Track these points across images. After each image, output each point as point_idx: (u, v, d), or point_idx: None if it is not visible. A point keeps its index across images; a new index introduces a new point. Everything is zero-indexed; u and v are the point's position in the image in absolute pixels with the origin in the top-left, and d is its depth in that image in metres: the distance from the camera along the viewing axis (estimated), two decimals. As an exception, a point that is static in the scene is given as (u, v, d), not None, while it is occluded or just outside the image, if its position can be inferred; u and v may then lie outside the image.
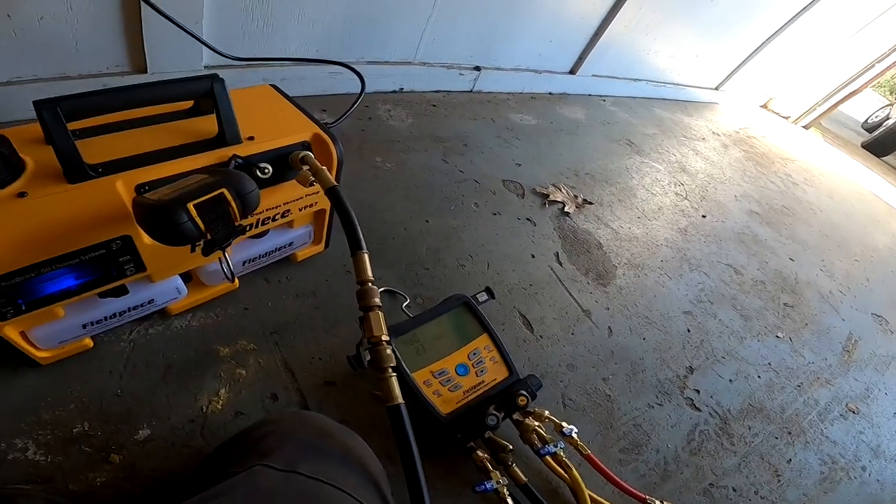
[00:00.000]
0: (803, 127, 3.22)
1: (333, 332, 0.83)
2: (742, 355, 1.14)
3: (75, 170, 0.51)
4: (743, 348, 1.16)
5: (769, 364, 1.16)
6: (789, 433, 1.02)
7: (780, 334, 1.26)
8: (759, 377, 1.11)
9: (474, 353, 0.78)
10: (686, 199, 1.69)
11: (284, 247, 0.81)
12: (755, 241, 1.61)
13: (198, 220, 0.45)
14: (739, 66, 2.64)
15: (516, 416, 0.76)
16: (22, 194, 0.48)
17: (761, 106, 3.26)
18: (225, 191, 0.48)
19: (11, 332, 0.57)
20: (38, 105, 0.47)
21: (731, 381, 1.07)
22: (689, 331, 1.14)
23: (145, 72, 1.03)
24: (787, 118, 3.23)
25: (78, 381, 0.66)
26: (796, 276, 1.51)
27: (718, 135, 2.38)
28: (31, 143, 0.54)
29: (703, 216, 1.62)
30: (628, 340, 1.05)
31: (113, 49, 0.99)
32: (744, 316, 1.26)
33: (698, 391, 1.01)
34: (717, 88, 2.78)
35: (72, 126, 0.50)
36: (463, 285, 1.01)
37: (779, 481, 0.92)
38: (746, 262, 1.48)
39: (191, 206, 0.45)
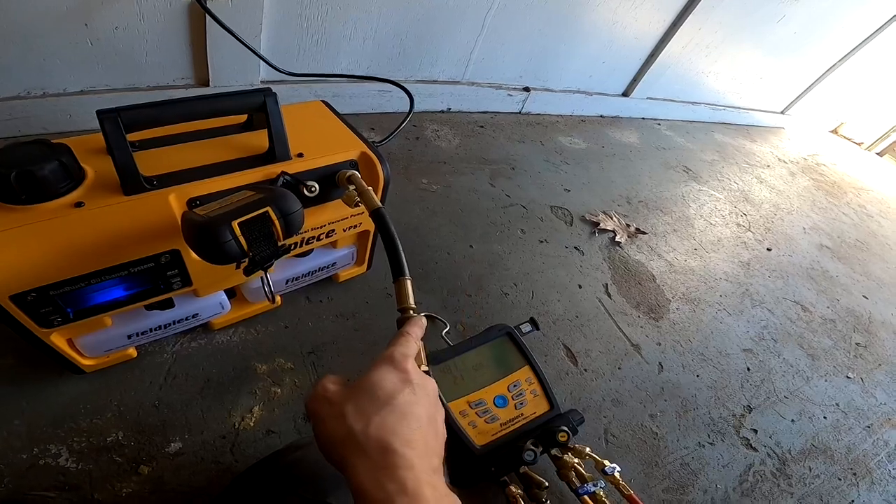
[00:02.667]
0: (877, 154, 3.02)
1: (371, 355, 0.82)
2: (807, 395, 1.06)
3: (132, 182, 0.52)
4: (809, 388, 1.08)
5: (837, 404, 1.07)
6: (854, 474, 0.93)
7: (850, 374, 1.16)
8: (824, 418, 1.02)
9: (514, 385, 0.75)
10: (749, 230, 1.59)
11: (327, 267, 0.81)
12: (825, 277, 1.49)
13: (241, 238, 0.45)
14: (808, 88, 2.50)
15: (555, 451, 0.72)
16: (79, 204, 0.50)
17: (831, 131, 3.08)
18: (269, 210, 0.47)
19: (59, 340, 0.58)
20: (101, 114, 0.49)
21: (793, 421, 0.99)
22: (748, 369, 1.07)
23: (208, 85, 1.08)
24: (859, 144, 3.03)
25: (118, 389, 0.67)
26: (870, 314, 1.39)
27: (785, 162, 2.25)
28: (93, 152, 0.56)
29: (768, 249, 1.52)
30: (680, 377, 0.99)
31: (179, 62, 1.03)
32: (811, 355, 1.17)
33: (756, 431, 0.94)
34: (783, 112, 2.64)
35: (131, 137, 0.51)
36: (505, 314, 0.98)
37: (839, 522, 0.84)
38: (815, 299, 1.38)
39: (235, 224, 0.45)
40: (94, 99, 0.97)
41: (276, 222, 0.47)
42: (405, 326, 0.44)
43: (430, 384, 0.39)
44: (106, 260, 0.51)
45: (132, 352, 0.69)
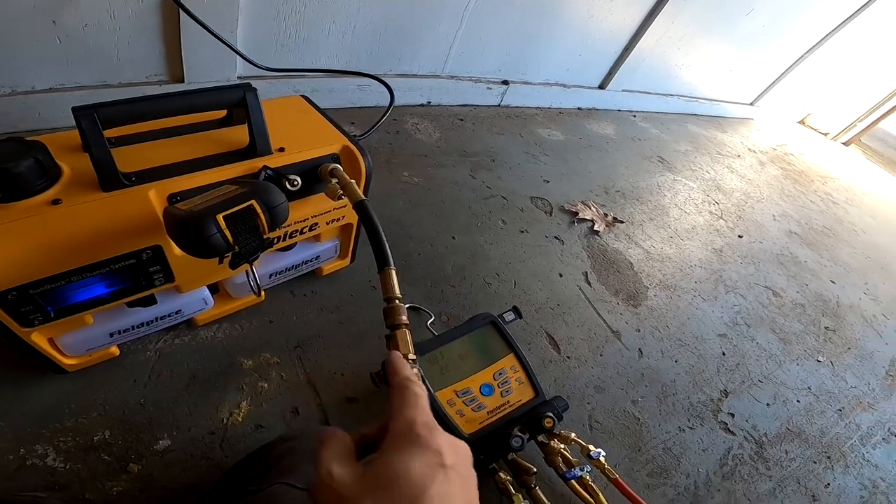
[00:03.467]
0: (843, 144, 3.12)
1: (357, 348, 0.82)
2: (780, 379, 1.10)
3: (110, 178, 0.51)
4: (781, 372, 1.11)
5: (809, 388, 1.10)
6: (828, 457, 0.97)
7: (820, 358, 1.20)
8: (798, 401, 1.06)
9: (500, 374, 0.76)
10: (721, 218, 1.64)
11: (311, 260, 0.81)
12: (795, 262, 1.55)
13: (226, 231, 0.45)
14: (776, 80, 2.57)
15: (541, 437, 0.73)
16: (56, 201, 0.49)
17: (799, 122, 3.17)
18: (254, 203, 0.47)
19: (39, 339, 0.57)
20: (77, 111, 0.48)
21: (768, 404, 1.02)
22: (724, 354, 1.10)
23: (182, 81, 1.06)
24: (825, 135, 3.13)
25: (102, 389, 0.67)
26: (838, 299, 1.44)
27: (754, 151, 2.31)
28: (69, 149, 0.55)
29: (740, 236, 1.57)
30: (659, 363, 1.02)
31: (152, 58, 1.01)
32: (783, 339, 1.21)
33: (733, 415, 0.97)
34: (752, 104, 2.72)
35: (108, 134, 0.50)
36: (489, 304, 0.99)
37: (815, 506, 0.87)
38: (786, 284, 1.42)
39: (220, 217, 0.45)
40: (64, 96, 0.95)
41: (262, 215, 0.47)
42: (398, 374, 0.34)
43: (464, 453, 0.30)
44: (86, 257, 0.50)
45: (115, 350, 0.68)
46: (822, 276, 1.53)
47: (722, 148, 2.20)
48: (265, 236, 0.49)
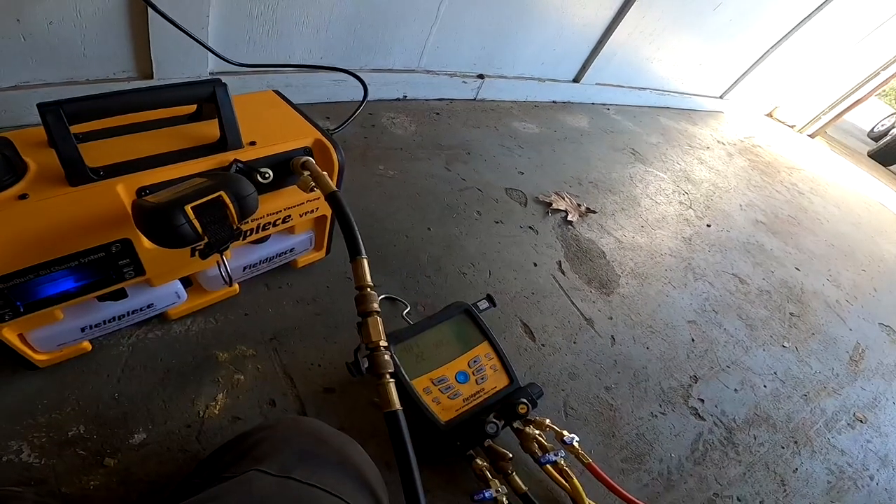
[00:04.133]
0: (809, 136, 3.21)
1: (333, 339, 0.82)
2: (747, 364, 1.13)
3: (77, 172, 0.51)
4: (748, 358, 1.15)
5: (775, 373, 1.14)
6: (795, 442, 1.00)
7: (786, 344, 1.24)
8: (764, 386, 1.09)
9: (475, 361, 0.78)
10: (690, 208, 1.68)
11: (285, 253, 0.81)
12: (761, 250, 1.59)
13: (195, 222, 0.45)
14: (744, 74, 2.64)
15: (517, 424, 0.75)
16: (23, 196, 0.48)
17: (766, 115, 3.25)
18: (223, 194, 0.47)
19: (9, 335, 0.57)
20: (42, 107, 0.47)
21: (736, 390, 1.06)
22: (693, 340, 1.13)
23: (151, 78, 1.04)
24: (792, 127, 3.21)
25: (75, 384, 0.66)
26: (802, 285, 1.49)
27: (723, 143, 2.37)
28: (35, 146, 0.54)
29: (708, 225, 1.61)
30: (631, 350, 1.04)
31: (120, 55, 0.99)
32: (749, 325, 1.25)
33: (703, 400, 1.00)
34: (721, 97, 2.78)
35: (75, 129, 0.50)
36: (464, 293, 1.01)
37: (785, 491, 0.90)
38: (752, 271, 1.47)
39: (188, 208, 0.45)
40: (30, 94, 0.93)
41: (231, 206, 0.48)
42: None
43: None
44: (54, 251, 0.50)
45: (86, 345, 0.67)
46: (786, 264, 1.58)
47: (692, 140, 2.25)
48: (235, 226, 0.49)
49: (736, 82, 2.69)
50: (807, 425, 1.05)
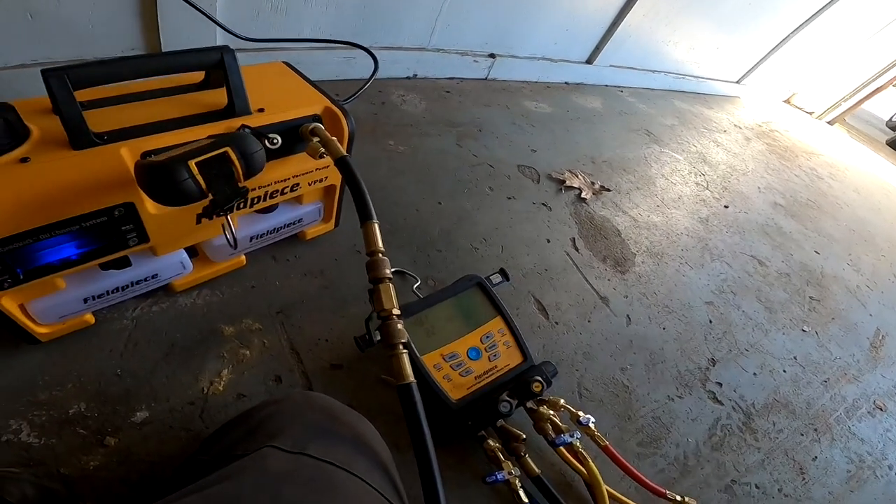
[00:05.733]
0: (827, 123, 3.14)
1: (341, 313, 0.80)
2: (766, 348, 1.10)
3: (80, 136, 0.50)
4: (767, 341, 1.12)
5: (794, 358, 1.11)
6: (815, 430, 0.97)
7: (806, 328, 1.21)
8: (784, 371, 1.07)
9: (487, 337, 0.75)
10: (707, 189, 1.64)
11: (293, 223, 0.79)
12: (780, 233, 1.56)
13: (199, 177, 0.43)
14: (762, 59, 2.57)
15: (530, 404, 0.72)
16: (24, 159, 0.47)
17: (784, 101, 3.18)
18: (229, 150, 0.45)
19: (10, 305, 0.55)
20: (46, 73, 0.46)
21: (755, 374, 1.03)
22: (711, 322, 1.10)
23: (160, 54, 1.03)
24: (810, 113, 3.15)
25: (77, 359, 0.64)
26: (822, 269, 1.46)
27: (740, 127, 2.32)
28: (38, 112, 0.53)
29: (726, 206, 1.58)
30: (647, 330, 1.02)
31: (128, 31, 0.98)
32: (768, 308, 1.22)
33: (720, 384, 0.97)
34: (738, 82, 2.71)
35: (80, 97, 0.49)
36: (476, 268, 0.98)
37: (804, 479, 0.88)
38: (771, 253, 1.43)
39: (192, 163, 0.43)
40: (36, 72, 0.91)
41: (236, 162, 0.46)
42: None
43: None
44: (55, 214, 0.49)
45: (89, 318, 0.66)
46: (806, 247, 1.54)
47: (708, 123, 2.20)
48: (241, 184, 0.47)
49: (754, 67, 2.62)
50: (827, 412, 1.02)
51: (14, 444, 0.56)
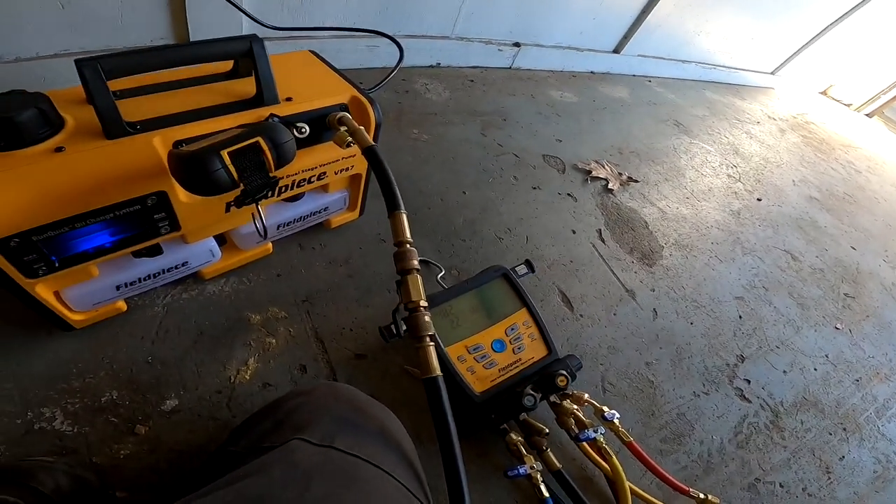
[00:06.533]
0: (866, 115, 3.03)
1: (365, 302, 0.81)
2: (798, 346, 1.07)
3: (114, 126, 0.50)
4: (799, 338, 1.09)
5: (826, 356, 1.08)
6: (844, 429, 0.95)
7: (839, 325, 1.17)
8: (815, 369, 1.04)
9: (512, 329, 0.74)
10: (739, 181, 1.59)
11: (319, 211, 0.79)
12: (814, 227, 1.51)
13: (231, 167, 0.43)
14: (799, 50, 2.49)
15: (553, 398, 0.71)
16: (59, 149, 0.48)
17: (820, 92, 3.08)
18: (260, 139, 0.45)
19: (45, 292, 0.56)
20: (80, 63, 0.47)
21: (784, 372, 1.00)
22: (740, 317, 1.08)
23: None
24: (848, 106, 3.04)
25: (110, 346, 0.66)
26: (858, 265, 1.41)
27: (774, 119, 2.24)
28: (72, 103, 0.54)
29: (759, 199, 1.53)
30: (674, 324, 1.00)
31: (157, 21, 0.99)
32: (801, 305, 1.18)
33: (749, 381, 0.95)
34: (773, 73, 2.63)
35: (113, 87, 0.49)
36: (500, 258, 0.98)
37: (829, 478, 0.86)
38: (805, 248, 1.39)
39: (224, 153, 0.43)
40: (69, 62, 0.92)
41: (268, 152, 0.46)
42: None
43: None
44: (89, 203, 0.49)
45: (122, 305, 0.67)
46: (841, 242, 1.49)
47: (740, 114, 2.13)
48: (271, 174, 0.47)
49: (790, 58, 2.54)
50: (857, 412, 0.99)
51: (48, 433, 0.57)
